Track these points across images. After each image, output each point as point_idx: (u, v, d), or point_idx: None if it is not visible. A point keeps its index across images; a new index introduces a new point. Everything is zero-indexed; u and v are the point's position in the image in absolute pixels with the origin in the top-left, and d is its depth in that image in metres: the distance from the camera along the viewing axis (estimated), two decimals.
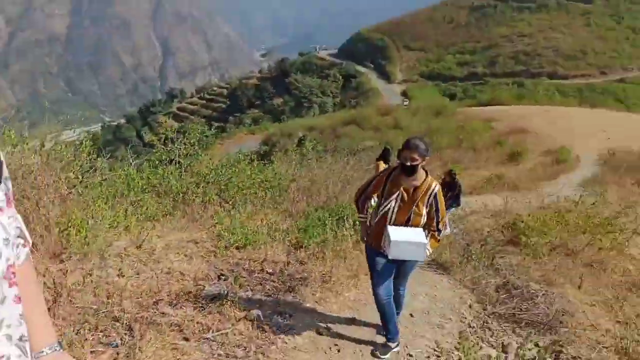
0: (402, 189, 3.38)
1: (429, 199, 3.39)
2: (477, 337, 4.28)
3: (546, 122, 28.08)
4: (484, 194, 13.11)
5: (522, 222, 7.52)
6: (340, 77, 76.80)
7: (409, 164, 3.29)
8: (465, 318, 4.70)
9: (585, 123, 28.13)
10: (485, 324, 4.60)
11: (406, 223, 3.41)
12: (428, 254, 3.44)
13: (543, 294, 5.15)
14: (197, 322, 3.51)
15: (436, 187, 3.40)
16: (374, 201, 3.76)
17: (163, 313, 3.58)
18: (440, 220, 3.46)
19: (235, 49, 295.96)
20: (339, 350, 3.57)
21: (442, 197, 3.47)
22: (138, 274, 4.42)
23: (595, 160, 19.27)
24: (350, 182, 12.54)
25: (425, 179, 3.41)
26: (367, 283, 5.16)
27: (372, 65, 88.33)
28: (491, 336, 4.33)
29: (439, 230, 3.50)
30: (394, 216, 3.42)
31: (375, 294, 3.60)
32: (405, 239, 3.26)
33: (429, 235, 3.44)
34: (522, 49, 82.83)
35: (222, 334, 3.42)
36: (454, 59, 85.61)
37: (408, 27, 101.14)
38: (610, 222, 7.12)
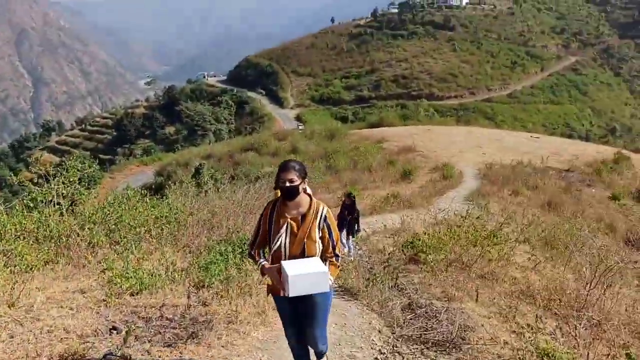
0: (289, 219, 3.13)
1: (319, 223, 3.15)
2: None
3: (429, 141, 30.21)
4: (383, 213, 13.56)
5: (420, 239, 7.81)
6: (233, 103, 76.36)
7: (287, 185, 3.05)
8: (376, 344, 4.68)
9: (463, 140, 30.73)
10: (395, 348, 4.62)
11: (301, 255, 3.13)
12: (330, 282, 3.14)
13: (445, 311, 5.32)
14: None
15: (324, 209, 3.17)
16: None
17: None
18: (335, 244, 3.22)
19: (116, 77, 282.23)
20: None
21: (334, 220, 3.24)
22: (12, 337, 3.83)
23: (476, 174, 21.01)
24: (252, 211, 12.28)
25: (311, 204, 3.19)
26: (275, 319, 4.96)
27: (264, 92, 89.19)
28: None
29: (336, 256, 3.23)
30: (286, 251, 3.13)
31: (289, 345, 3.44)
32: (303, 271, 2.99)
33: (327, 262, 3.18)
34: (400, 73, 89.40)
35: None
36: (341, 84, 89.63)
37: (293, 53, 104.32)
38: (495, 234, 7.65)
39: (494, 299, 6.07)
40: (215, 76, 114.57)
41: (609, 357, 3.86)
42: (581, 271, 7.39)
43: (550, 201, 15.60)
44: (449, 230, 8.18)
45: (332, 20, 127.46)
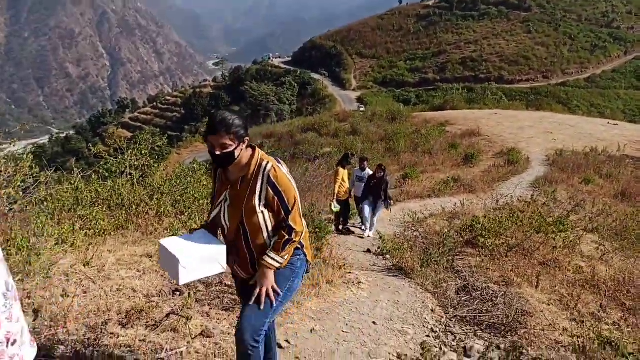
0: (229, 187, 2.50)
1: (261, 186, 2.41)
2: (440, 342, 4.25)
3: (496, 125, 29.02)
4: (442, 197, 13.32)
5: (479, 223, 7.63)
6: (296, 84, 76.90)
7: (218, 153, 2.36)
8: (428, 323, 4.67)
9: (533, 125, 29.25)
10: (447, 328, 4.59)
11: (240, 227, 2.48)
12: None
13: (502, 295, 5.20)
14: (149, 342, 3.31)
15: (268, 166, 2.41)
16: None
17: (112, 334, 3.36)
18: (291, 210, 2.42)
19: (187, 58, 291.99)
20: None
21: (287, 179, 2.46)
22: (85, 292, 4.16)
23: (544, 160, 20.02)
24: (311, 188, 12.50)
25: (251, 162, 2.45)
26: (329, 292, 5.08)
27: (327, 73, 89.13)
28: (454, 340, 4.32)
29: (289, 228, 2.43)
30: (226, 222, 2.52)
31: None
32: (195, 252, 2.42)
33: (277, 236, 2.46)
34: (469, 55, 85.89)
35: (176, 352, 3.23)
36: (405, 66, 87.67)
37: (358, 35, 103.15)
38: (561, 221, 7.33)
39: (555, 286, 5.85)
40: (280, 57, 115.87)
41: None
42: None
43: (624, 191, 14.60)
44: (511, 215, 7.93)
45: (400, 1, 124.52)
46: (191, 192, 8.09)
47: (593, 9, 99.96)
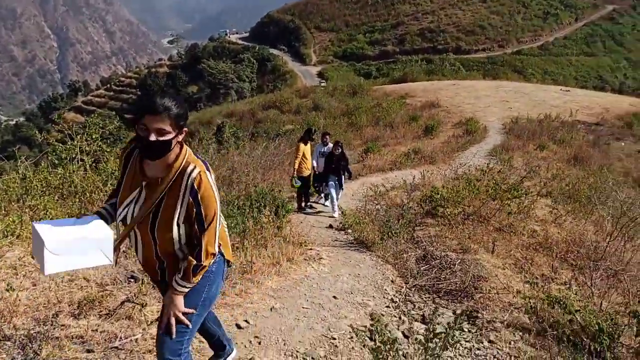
0: (144, 184, 2.11)
1: (183, 197, 2.04)
2: (400, 311, 4.34)
3: (454, 95, 29.46)
4: (403, 169, 13.46)
5: (438, 193, 7.76)
6: (255, 61, 75.54)
7: (153, 138, 1.95)
8: (388, 294, 4.75)
9: (490, 94, 29.86)
10: (407, 297, 4.69)
11: (150, 238, 2.13)
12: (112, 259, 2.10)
13: (460, 262, 5.33)
14: (103, 331, 3.23)
15: (194, 172, 2.04)
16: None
17: (63, 325, 3.26)
18: (206, 229, 2.07)
19: (139, 36, 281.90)
20: (259, 343, 3.44)
21: (211, 192, 2.07)
22: (35, 285, 4.01)
23: (501, 128, 20.51)
24: (272, 167, 12.40)
25: (176, 159, 2.07)
26: (290, 269, 5.08)
27: (286, 48, 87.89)
28: (413, 309, 4.41)
29: (198, 252, 2.08)
30: (136, 230, 2.16)
31: None
32: (68, 236, 2.00)
33: (186, 261, 2.10)
34: (426, 26, 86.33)
35: (131, 340, 3.17)
36: (364, 39, 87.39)
37: (316, 8, 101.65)
38: (515, 187, 7.53)
39: (511, 250, 6.05)
40: (237, 33, 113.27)
41: (623, 305, 3.83)
42: (603, 224, 7.25)
43: (576, 155, 15.19)
44: (467, 184, 8.09)
45: None
46: None
47: None
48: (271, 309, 4.01)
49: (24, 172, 6.99)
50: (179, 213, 2.06)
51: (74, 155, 7.90)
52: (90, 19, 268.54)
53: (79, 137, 7.98)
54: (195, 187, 2.02)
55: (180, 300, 2.14)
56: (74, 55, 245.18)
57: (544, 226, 7.34)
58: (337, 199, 9.00)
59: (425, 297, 4.72)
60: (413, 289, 4.90)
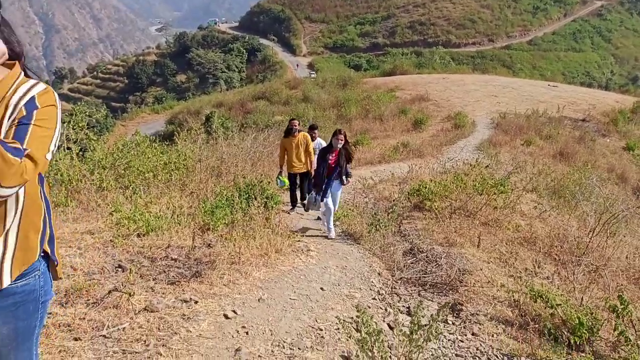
0: None
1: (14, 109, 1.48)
2: (386, 303, 4.40)
3: (444, 89, 29.57)
4: (392, 162, 13.54)
5: (426, 187, 7.84)
6: (245, 51, 75.02)
7: None
8: (375, 286, 4.81)
9: (479, 88, 30.00)
10: (393, 289, 4.75)
11: None
12: None
13: (446, 255, 5.41)
14: (90, 320, 3.24)
15: (38, 87, 1.56)
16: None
17: (50, 314, 3.25)
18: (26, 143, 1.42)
19: (127, 23, 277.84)
20: (247, 333, 3.47)
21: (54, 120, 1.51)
22: None
23: (489, 123, 20.65)
24: (260, 158, 12.39)
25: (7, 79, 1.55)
26: (278, 260, 5.11)
27: (276, 38, 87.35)
28: (399, 301, 4.48)
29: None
30: None
31: None
32: None
33: None
34: (417, 19, 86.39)
35: (118, 329, 3.18)
36: (355, 30, 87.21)
37: None
38: (501, 182, 7.63)
39: (496, 245, 6.14)
40: (227, 22, 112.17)
41: (603, 300, 3.93)
42: (586, 220, 7.39)
43: (562, 151, 15.37)
44: (455, 178, 8.18)
45: None
46: (135, 166, 7.83)
47: None
48: (259, 300, 4.04)
49: None
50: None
51: (60, 144, 7.85)
52: (76, 4, 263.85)
53: (65, 125, 7.92)
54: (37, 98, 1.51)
55: None
56: (60, 41, 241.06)
57: (529, 221, 7.45)
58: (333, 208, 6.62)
59: (411, 290, 4.79)
60: (399, 282, 4.97)
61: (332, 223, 6.49)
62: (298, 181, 8.21)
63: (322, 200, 6.42)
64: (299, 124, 8.17)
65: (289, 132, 7.95)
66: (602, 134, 20.24)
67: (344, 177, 6.55)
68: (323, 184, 6.44)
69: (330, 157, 6.44)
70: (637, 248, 6.73)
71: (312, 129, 8.53)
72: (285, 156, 8.00)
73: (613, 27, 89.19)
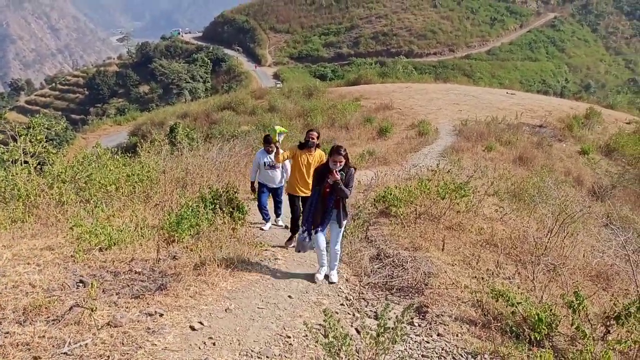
0: None
1: None
2: (354, 308, 4.43)
3: (407, 98, 30.13)
4: (358, 170, 13.63)
5: (391, 194, 7.95)
6: (209, 61, 74.44)
7: None
8: (343, 292, 4.85)
9: (441, 97, 30.72)
10: (360, 295, 4.80)
11: None
12: None
13: (411, 260, 5.50)
14: (50, 337, 3.15)
15: None
16: None
17: (7, 333, 3.14)
18: None
19: (87, 33, 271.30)
20: (214, 344, 3.44)
21: None
22: None
23: (451, 130, 21.17)
24: (226, 168, 12.28)
25: None
26: (244, 270, 5.08)
27: (240, 49, 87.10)
28: (366, 306, 4.52)
29: None
30: None
31: None
32: None
33: None
34: (380, 30, 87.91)
35: (80, 345, 3.10)
36: (320, 41, 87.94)
37: (271, 9, 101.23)
38: (462, 186, 7.82)
39: (459, 247, 6.29)
40: (190, 32, 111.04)
41: (561, 297, 4.08)
42: (544, 221, 7.65)
43: (521, 156, 15.90)
44: (419, 184, 8.33)
45: None
46: (97, 179, 7.65)
47: None
48: (226, 310, 4.01)
49: None
50: None
51: (17, 157, 7.60)
52: (32, 14, 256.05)
53: (22, 138, 7.68)
54: None
55: None
56: (16, 52, 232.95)
57: (491, 224, 7.67)
58: (333, 251, 5.09)
59: (379, 294, 4.84)
60: (367, 287, 5.02)
61: (324, 259, 5.03)
62: (299, 204, 6.36)
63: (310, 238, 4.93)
64: (318, 137, 6.44)
65: (305, 145, 6.25)
66: (559, 139, 21.04)
67: (341, 213, 4.87)
68: (314, 217, 4.89)
69: (325, 182, 4.83)
70: (592, 247, 7.02)
71: (267, 142, 6.97)
72: (292, 173, 6.45)
73: (566, 38, 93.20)
